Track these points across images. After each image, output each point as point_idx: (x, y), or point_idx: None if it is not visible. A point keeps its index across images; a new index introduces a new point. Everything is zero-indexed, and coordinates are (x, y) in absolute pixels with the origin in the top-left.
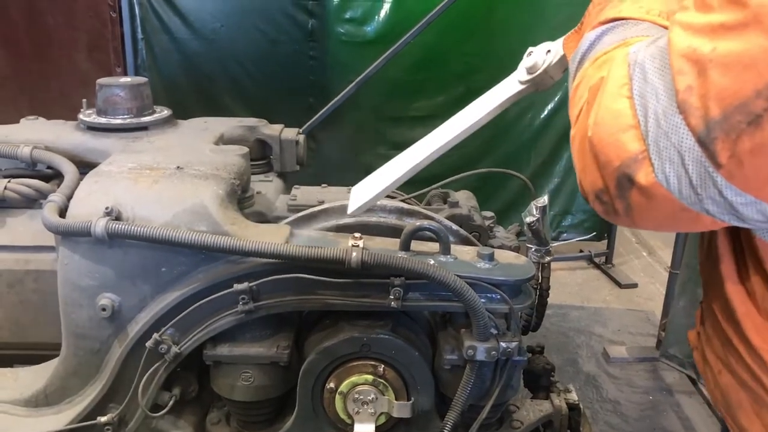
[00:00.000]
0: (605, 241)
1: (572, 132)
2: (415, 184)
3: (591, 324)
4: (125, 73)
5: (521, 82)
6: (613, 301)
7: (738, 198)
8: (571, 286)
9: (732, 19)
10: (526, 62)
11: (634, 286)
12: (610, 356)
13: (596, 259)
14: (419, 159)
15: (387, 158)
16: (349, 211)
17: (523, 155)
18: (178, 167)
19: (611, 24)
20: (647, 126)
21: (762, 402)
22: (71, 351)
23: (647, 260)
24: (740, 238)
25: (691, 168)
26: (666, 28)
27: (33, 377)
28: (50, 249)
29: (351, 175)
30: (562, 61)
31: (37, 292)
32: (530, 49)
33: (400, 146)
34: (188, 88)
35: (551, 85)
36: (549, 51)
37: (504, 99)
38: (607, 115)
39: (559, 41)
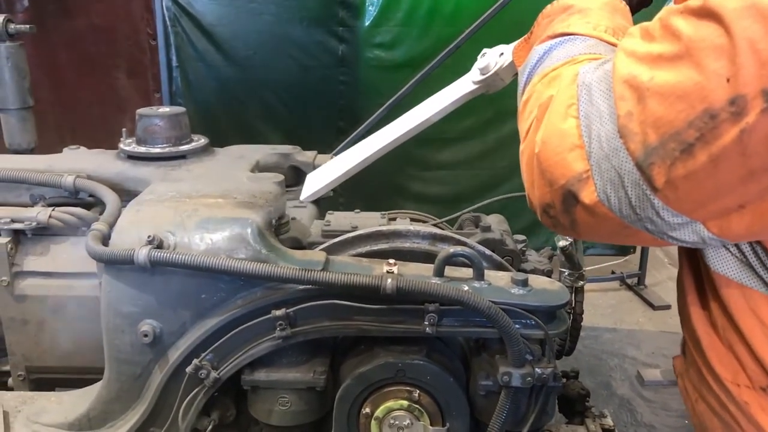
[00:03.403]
0: (637, 262)
1: (521, 147)
2: (446, 207)
3: (624, 346)
4: (163, 99)
5: (474, 83)
6: (646, 323)
7: (674, 219)
8: (604, 307)
9: (668, 51)
10: (479, 63)
11: (668, 307)
12: (645, 379)
13: (628, 281)
14: (371, 152)
15: (417, 179)
16: (302, 197)
17: None
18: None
19: (560, 39)
20: (591, 147)
21: (732, 430)
22: (113, 376)
23: None
24: (700, 270)
25: (630, 190)
26: (612, 44)
27: (76, 401)
28: (92, 276)
29: (382, 197)
30: (513, 65)
31: (80, 317)
32: (484, 50)
33: (431, 167)
34: (221, 113)
35: (502, 87)
36: (502, 54)
37: (456, 98)
38: (554, 134)
39: (513, 45)
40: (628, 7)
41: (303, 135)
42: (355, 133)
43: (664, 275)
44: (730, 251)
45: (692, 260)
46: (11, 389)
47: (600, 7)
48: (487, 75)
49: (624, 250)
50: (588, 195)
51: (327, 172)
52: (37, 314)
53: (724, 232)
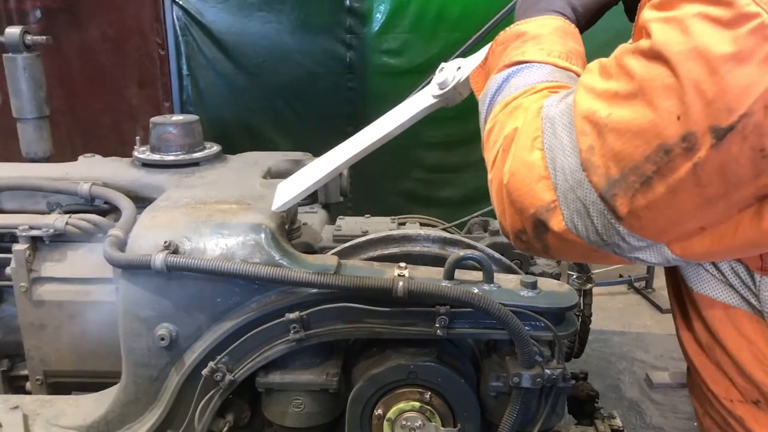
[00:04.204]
0: (644, 266)
1: (489, 176)
2: (453, 210)
3: (633, 349)
4: (173, 108)
5: (433, 96)
6: (654, 326)
7: (639, 243)
8: (612, 311)
9: (624, 89)
10: (437, 77)
11: None
12: (653, 382)
13: (636, 284)
14: (338, 163)
15: (424, 182)
16: (274, 207)
17: None
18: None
19: (517, 67)
20: (556, 179)
21: None
22: (131, 379)
23: None
24: (682, 292)
25: (596, 219)
26: (566, 69)
27: (94, 404)
28: (108, 281)
29: (391, 200)
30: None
31: (96, 322)
32: (442, 64)
33: (437, 170)
34: (232, 121)
35: (461, 100)
36: (459, 68)
37: (416, 112)
38: (521, 166)
39: (470, 59)
40: (577, 30)
41: (312, 141)
42: None
43: None
44: (710, 272)
45: (675, 283)
46: (29, 393)
47: (551, 32)
48: (445, 90)
49: None
50: (557, 223)
51: (297, 182)
52: (54, 319)
53: (686, 253)
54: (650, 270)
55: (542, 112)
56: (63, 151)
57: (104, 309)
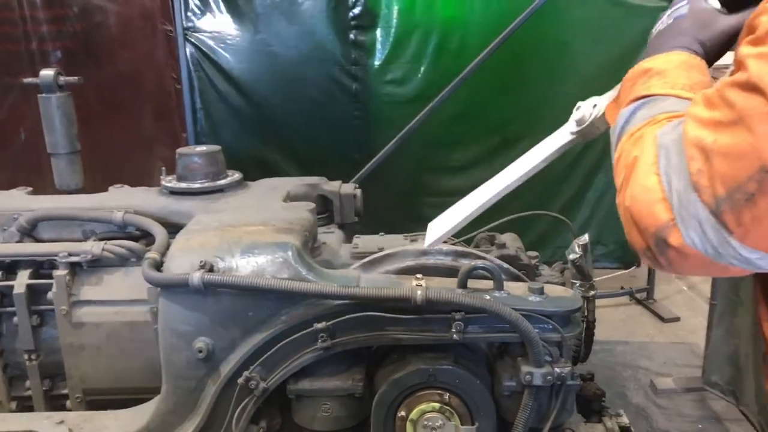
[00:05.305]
0: (645, 277)
1: (617, 200)
2: (466, 226)
3: (637, 358)
4: (188, 139)
5: (571, 133)
6: (656, 335)
7: (752, 255)
8: (615, 322)
9: (726, 117)
10: (575, 115)
11: (677, 320)
12: (658, 388)
13: (638, 295)
14: (483, 200)
15: (431, 206)
16: (426, 244)
17: (554, 190)
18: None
19: (642, 101)
20: (672, 199)
21: None
22: (171, 390)
23: (688, 294)
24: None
25: (710, 234)
26: (689, 100)
27: (134, 417)
28: (144, 302)
29: (399, 223)
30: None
31: (133, 341)
32: (579, 103)
33: (442, 194)
34: (243, 151)
35: (598, 135)
36: (595, 105)
37: (557, 148)
38: (640, 190)
39: (605, 97)
40: (704, 62)
41: (320, 168)
42: (370, 164)
43: (672, 289)
44: None
45: (760, 276)
46: (69, 411)
47: (676, 67)
48: (583, 126)
49: (628, 263)
50: (676, 239)
51: (446, 220)
52: (93, 340)
53: None
54: (651, 281)
55: (656, 140)
56: (86, 183)
57: (139, 329)
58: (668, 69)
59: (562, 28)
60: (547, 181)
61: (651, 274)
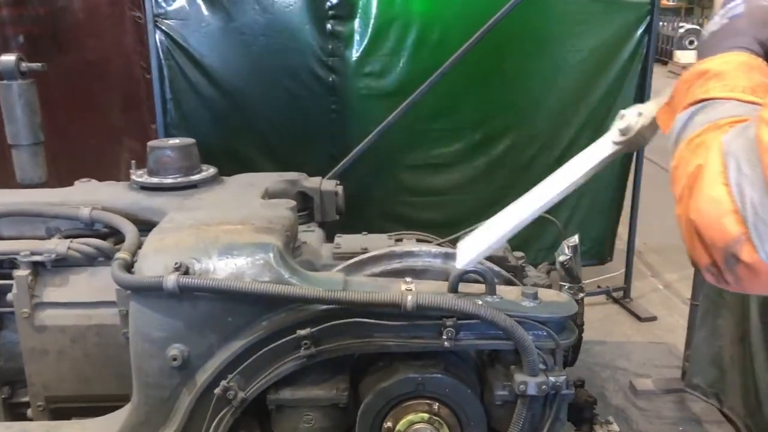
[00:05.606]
0: (622, 276)
1: (677, 211)
2: (436, 232)
3: (615, 358)
4: (157, 131)
5: (615, 143)
6: (634, 335)
7: None
8: (592, 321)
9: None
10: (618, 125)
11: (654, 319)
12: (637, 389)
13: (614, 294)
14: (519, 218)
15: (410, 205)
16: (459, 265)
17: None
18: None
19: (700, 104)
20: (745, 211)
21: None
22: (142, 400)
23: (664, 293)
24: None
25: None
26: (751, 103)
27: (101, 427)
28: (111, 304)
29: (377, 222)
30: (654, 123)
31: (99, 345)
32: (621, 111)
33: (421, 193)
34: (215, 143)
35: (644, 144)
36: (640, 113)
37: (599, 160)
38: (707, 202)
39: (650, 104)
40: (765, 63)
41: (295, 163)
42: (346, 159)
43: (648, 287)
44: None
45: None
46: (30, 420)
47: (735, 68)
48: (629, 135)
49: (602, 259)
50: (749, 255)
51: (480, 238)
52: (56, 344)
53: None
54: (628, 280)
55: (722, 147)
56: (50, 176)
57: (107, 332)
58: (727, 70)
59: (543, 23)
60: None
61: (628, 272)
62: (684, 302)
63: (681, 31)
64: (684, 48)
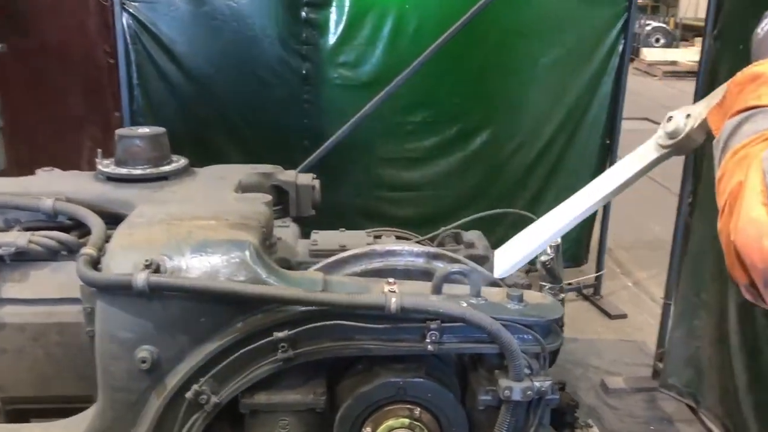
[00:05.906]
0: (593, 274)
1: (719, 226)
2: (413, 229)
3: (587, 356)
4: (122, 118)
5: (662, 146)
6: (604, 332)
7: None
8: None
9: None
10: (666, 127)
11: (624, 316)
12: (609, 387)
13: (585, 291)
14: (561, 224)
15: (384, 200)
16: (496, 275)
17: (516, 191)
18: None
19: (750, 112)
20: None
21: None
22: (107, 404)
23: (634, 290)
24: None
25: None
26: None
27: (63, 430)
28: (74, 301)
29: (349, 217)
30: (704, 125)
31: (62, 344)
32: (669, 113)
33: (396, 188)
34: (183, 132)
35: (694, 147)
36: (689, 115)
37: (645, 165)
38: (747, 223)
39: (699, 105)
40: None
41: (267, 154)
42: (319, 151)
43: (618, 285)
44: None
45: None
46: None
47: None
48: (677, 138)
49: (578, 261)
50: None
51: (517, 246)
52: (15, 342)
53: None
54: (599, 277)
55: (762, 165)
56: (9, 164)
57: (69, 331)
58: None
59: (521, 17)
60: (509, 185)
61: (599, 270)
62: (653, 300)
63: (648, 28)
64: (650, 45)
